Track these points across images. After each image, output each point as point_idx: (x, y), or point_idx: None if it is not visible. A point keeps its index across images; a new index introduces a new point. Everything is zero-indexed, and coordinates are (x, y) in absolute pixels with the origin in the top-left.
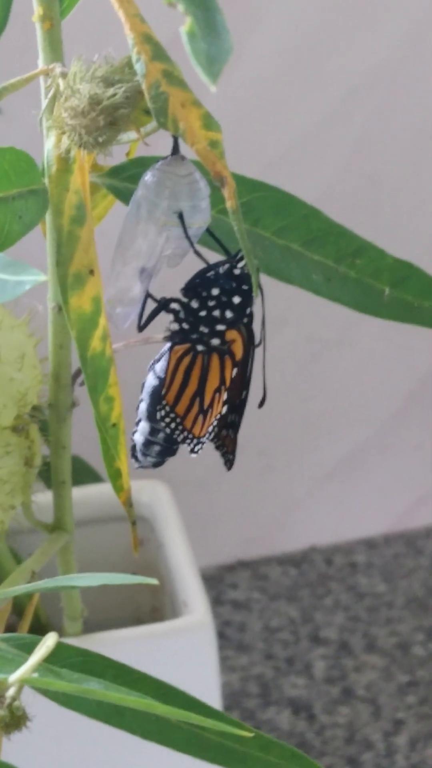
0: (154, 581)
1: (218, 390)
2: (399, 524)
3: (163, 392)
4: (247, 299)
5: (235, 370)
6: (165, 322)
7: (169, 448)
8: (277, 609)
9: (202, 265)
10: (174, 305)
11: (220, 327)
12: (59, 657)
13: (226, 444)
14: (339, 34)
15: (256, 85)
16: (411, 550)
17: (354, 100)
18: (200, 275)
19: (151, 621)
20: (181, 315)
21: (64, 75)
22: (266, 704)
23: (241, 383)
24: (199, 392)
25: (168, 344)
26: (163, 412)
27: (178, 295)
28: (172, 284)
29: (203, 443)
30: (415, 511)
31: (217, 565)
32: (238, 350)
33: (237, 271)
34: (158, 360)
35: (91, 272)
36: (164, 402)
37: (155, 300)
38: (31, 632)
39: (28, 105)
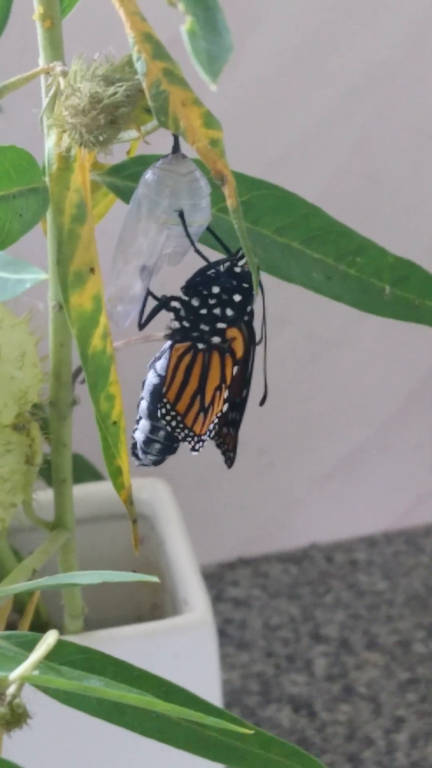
0: (154, 579)
1: (219, 388)
2: (399, 522)
3: (163, 390)
4: (248, 297)
5: (235, 368)
6: (166, 320)
7: (169, 446)
8: (278, 606)
9: (202, 264)
10: (175, 303)
11: (221, 325)
12: (60, 654)
13: (227, 442)
14: (339, 34)
15: (256, 85)
16: (411, 547)
17: (354, 100)
18: (201, 273)
19: (151, 619)
20: (182, 313)
21: (64, 73)
22: (267, 702)
23: (242, 381)
24: (200, 390)
25: (169, 342)
26: (163, 410)
27: (179, 293)
28: (172, 282)
29: (204, 441)
30: (415, 510)
31: (217, 563)
32: (239, 348)
33: (237, 270)
34: (159, 358)
35: (92, 270)
36: (165, 400)
37: (156, 298)
38: (31, 630)
39: (29, 104)
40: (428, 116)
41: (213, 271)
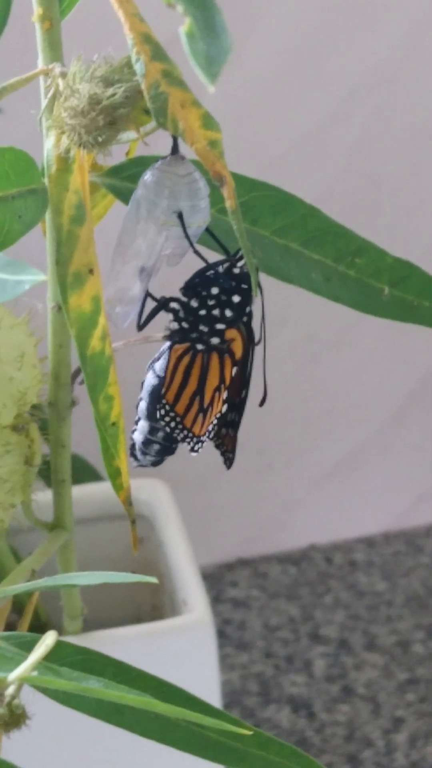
0: (153, 580)
1: (218, 389)
2: (399, 523)
3: (162, 391)
4: (247, 298)
5: (234, 369)
6: (164, 321)
7: (168, 447)
8: (277, 607)
9: (201, 265)
10: (173, 304)
11: (220, 326)
12: (59, 655)
13: (226, 443)
14: (339, 34)
15: (256, 85)
16: (411, 548)
17: (354, 100)
18: (200, 274)
19: (150, 619)
20: (181, 314)
21: (63, 75)
22: (266, 702)
23: (241, 382)
24: (199, 391)
25: (167, 343)
26: (162, 411)
27: (178, 294)
28: (171, 283)
29: (203, 442)
30: (414, 510)
31: (216, 564)
32: (238, 349)
33: (236, 270)
34: (158, 359)
35: (91, 271)
36: (164, 401)
37: (155, 299)
38: (30, 630)
39: (28, 105)
40: (428, 116)
41: (212, 272)
